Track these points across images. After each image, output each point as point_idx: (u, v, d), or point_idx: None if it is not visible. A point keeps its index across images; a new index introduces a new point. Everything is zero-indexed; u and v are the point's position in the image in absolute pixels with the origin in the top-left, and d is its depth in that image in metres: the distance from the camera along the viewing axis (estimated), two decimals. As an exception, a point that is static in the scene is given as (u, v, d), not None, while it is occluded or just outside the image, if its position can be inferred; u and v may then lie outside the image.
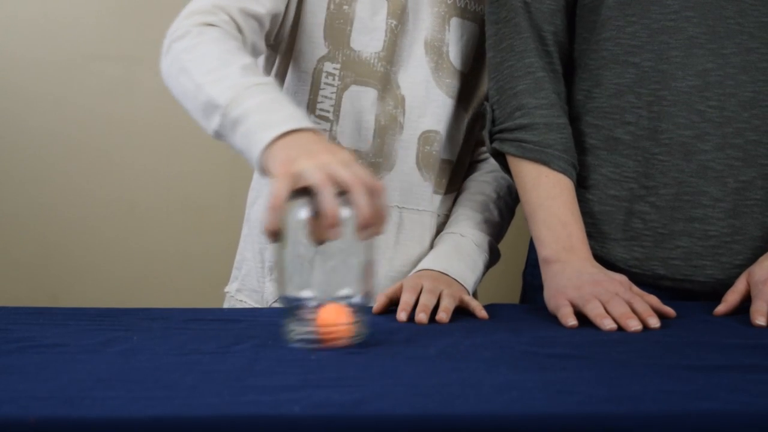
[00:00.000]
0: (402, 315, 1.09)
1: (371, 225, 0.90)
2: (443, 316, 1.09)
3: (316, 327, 0.93)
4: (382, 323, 1.08)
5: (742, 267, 1.18)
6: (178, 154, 1.90)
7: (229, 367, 0.86)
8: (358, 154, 1.27)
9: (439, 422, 0.72)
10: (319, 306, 0.93)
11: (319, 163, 0.92)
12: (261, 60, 1.34)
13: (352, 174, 0.91)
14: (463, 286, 1.20)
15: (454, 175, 1.36)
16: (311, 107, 1.28)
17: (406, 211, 1.31)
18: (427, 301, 1.11)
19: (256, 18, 1.18)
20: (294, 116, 1.00)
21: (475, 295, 1.37)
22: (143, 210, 2.12)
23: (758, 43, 1.18)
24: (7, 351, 0.92)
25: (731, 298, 1.14)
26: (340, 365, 0.87)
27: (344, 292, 0.93)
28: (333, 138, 1.27)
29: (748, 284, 1.14)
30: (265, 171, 0.97)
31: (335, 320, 0.93)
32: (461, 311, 1.14)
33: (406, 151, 1.30)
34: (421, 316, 1.08)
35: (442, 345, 0.97)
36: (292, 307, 0.94)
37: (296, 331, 0.94)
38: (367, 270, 0.94)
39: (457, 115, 1.33)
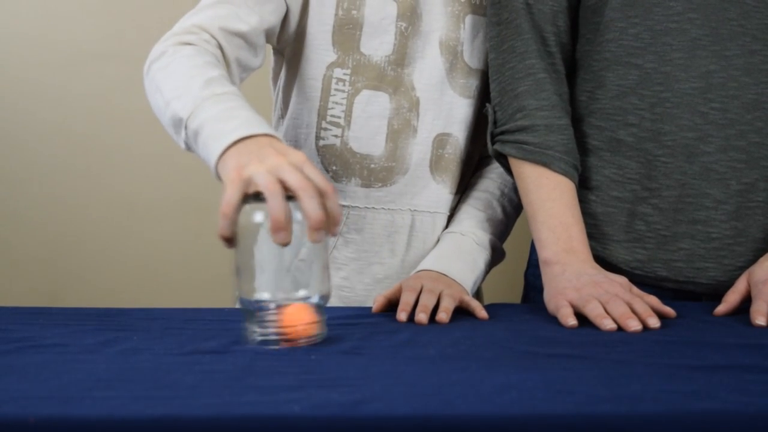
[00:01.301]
0: (402, 315, 1.09)
1: (322, 228, 0.91)
2: (443, 316, 1.09)
3: (280, 327, 0.94)
4: (382, 323, 1.08)
5: (744, 269, 1.18)
6: (179, 154, 1.89)
7: (229, 367, 0.86)
8: (370, 158, 1.27)
9: (439, 422, 0.72)
10: (280, 307, 0.94)
11: (268, 167, 0.92)
12: (270, 68, 1.34)
13: (301, 177, 0.92)
14: (462, 286, 1.20)
15: (468, 174, 1.36)
16: (322, 113, 1.27)
17: (418, 214, 1.30)
18: (426, 302, 1.11)
19: (239, 35, 1.19)
20: (247, 123, 1.00)
21: (480, 293, 1.37)
22: (144, 210, 2.12)
23: (761, 45, 1.18)
24: (7, 351, 0.92)
25: (731, 298, 1.14)
26: (340, 365, 0.87)
27: (301, 293, 0.94)
28: (345, 143, 1.27)
29: (749, 284, 1.14)
30: (221, 180, 0.98)
31: (300, 320, 0.94)
32: (461, 311, 1.14)
33: (419, 154, 1.29)
34: (421, 317, 1.08)
35: (442, 345, 0.97)
36: (251, 310, 0.95)
37: (258, 332, 0.95)
38: (323, 271, 0.95)
39: (473, 115, 1.32)
